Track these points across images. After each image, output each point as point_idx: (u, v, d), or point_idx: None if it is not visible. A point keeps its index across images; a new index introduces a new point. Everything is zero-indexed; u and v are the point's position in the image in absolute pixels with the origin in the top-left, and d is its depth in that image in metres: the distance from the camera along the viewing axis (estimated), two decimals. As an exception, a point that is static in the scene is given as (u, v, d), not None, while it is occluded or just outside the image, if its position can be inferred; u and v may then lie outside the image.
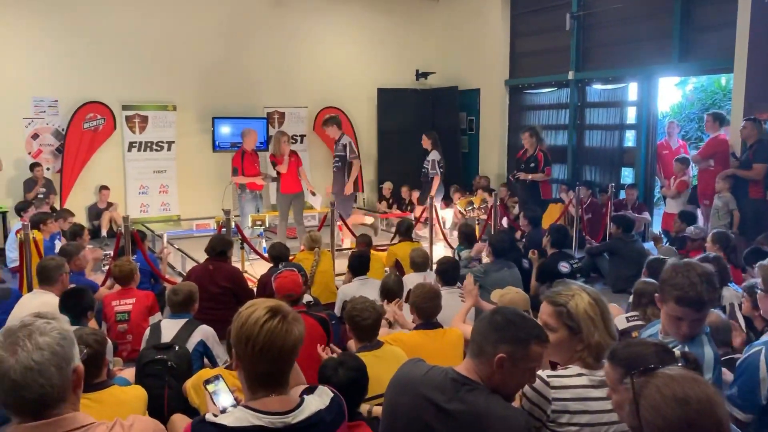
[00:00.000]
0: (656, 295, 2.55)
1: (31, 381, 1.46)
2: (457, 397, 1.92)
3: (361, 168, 9.58)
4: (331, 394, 1.84)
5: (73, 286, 4.36)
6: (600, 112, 9.83)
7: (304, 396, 1.80)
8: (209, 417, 1.71)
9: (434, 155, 8.80)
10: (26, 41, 9.19)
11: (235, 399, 2.14)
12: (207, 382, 2.21)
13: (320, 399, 1.81)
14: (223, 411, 1.82)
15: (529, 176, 8.54)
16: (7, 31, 9.06)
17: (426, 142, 9.08)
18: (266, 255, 6.89)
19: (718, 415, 1.40)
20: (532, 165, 8.54)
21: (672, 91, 12.87)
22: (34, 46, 9.23)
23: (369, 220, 9.57)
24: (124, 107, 9.84)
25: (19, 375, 1.45)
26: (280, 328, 1.70)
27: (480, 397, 1.91)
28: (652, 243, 7.94)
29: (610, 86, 9.60)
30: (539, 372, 2.19)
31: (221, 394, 2.14)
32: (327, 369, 2.74)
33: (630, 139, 9.51)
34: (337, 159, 8.49)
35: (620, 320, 3.94)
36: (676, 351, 1.91)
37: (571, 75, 9.90)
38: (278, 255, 5.33)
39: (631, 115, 9.44)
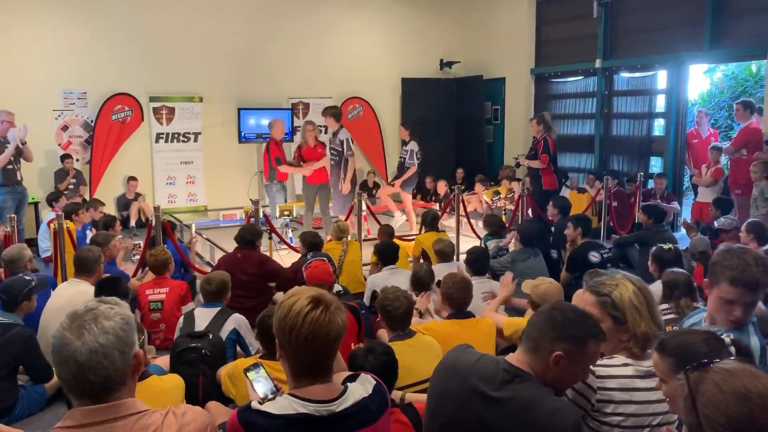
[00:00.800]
0: (705, 280, 2.47)
1: (96, 363, 1.50)
2: (507, 387, 1.90)
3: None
4: (374, 382, 1.85)
5: (107, 275, 4.42)
6: (628, 100, 9.69)
7: (348, 384, 1.81)
8: (254, 405, 1.72)
9: (413, 146, 8.56)
10: (55, 34, 9.31)
11: (275, 386, 2.16)
12: (247, 369, 2.23)
13: (363, 387, 1.81)
14: (264, 398, 1.84)
15: (527, 161, 8.40)
16: (37, 25, 9.18)
17: (403, 133, 8.82)
18: (293, 244, 6.96)
19: None
20: (533, 152, 8.43)
21: (700, 80, 12.63)
22: (62, 39, 9.35)
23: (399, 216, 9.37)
24: (152, 99, 9.93)
25: (85, 357, 1.49)
26: (323, 317, 1.70)
27: (531, 389, 1.90)
28: (683, 232, 7.83)
29: (638, 74, 9.46)
30: None
31: (261, 381, 2.17)
32: (357, 358, 2.75)
33: (658, 127, 9.38)
34: (334, 153, 8.24)
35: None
36: (726, 339, 1.87)
37: (598, 63, 9.77)
38: (311, 243, 5.36)
39: (659, 103, 9.29)
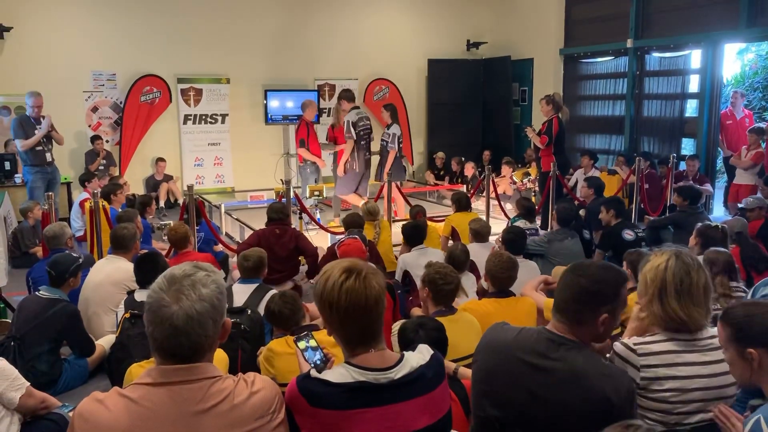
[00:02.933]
0: None
1: (190, 329, 1.53)
2: (556, 355, 1.88)
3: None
4: (432, 352, 1.84)
5: (145, 251, 4.47)
6: (660, 80, 9.52)
7: (404, 352, 1.80)
8: (313, 373, 1.73)
9: (395, 129, 8.14)
10: (85, 16, 9.37)
11: (325, 355, 2.17)
12: (298, 339, 2.25)
13: (420, 355, 1.81)
14: (315, 367, 1.84)
15: (533, 133, 8.18)
16: (68, 7, 9.24)
17: (384, 115, 8.30)
18: (321, 223, 6.98)
19: None
20: (539, 132, 8.28)
21: (732, 61, 12.36)
22: (92, 20, 9.40)
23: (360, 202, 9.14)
24: (179, 80, 9.97)
25: (181, 322, 1.52)
26: (359, 285, 1.70)
27: (580, 355, 1.88)
28: (716, 214, 7.70)
29: (671, 54, 9.27)
30: (625, 340, 2.15)
31: (310, 351, 2.18)
32: (408, 331, 2.75)
33: (691, 108, 9.20)
34: (383, 142, 8.16)
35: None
36: None
37: (629, 43, 9.60)
38: (352, 223, 5.40)
39: (693, 83, 9.11)
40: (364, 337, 1.75)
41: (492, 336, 2.08)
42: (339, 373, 1.71)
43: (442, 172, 11.27)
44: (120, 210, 6.10)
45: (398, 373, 1.72)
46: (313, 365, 1.98)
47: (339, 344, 1.82)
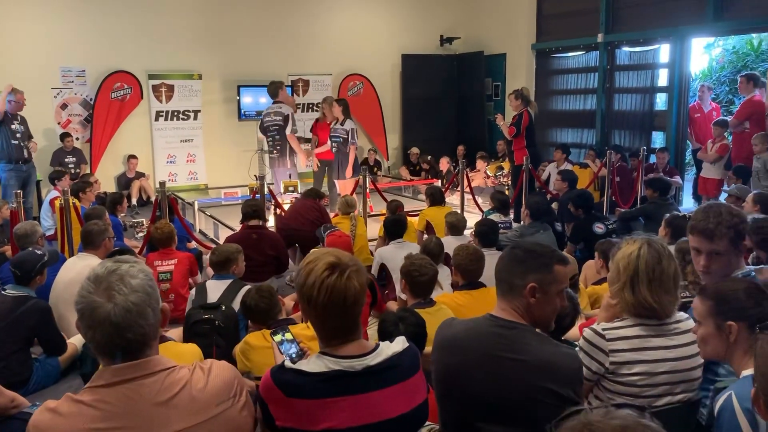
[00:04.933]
0: (745, 243, 2.50)
1: (132, 322, 1.50)
2: (510, 341, 1.90)
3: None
4: (408, 343, 1.86)
5: (117, 248, 4.42)
6: (630, 75, 9.66)
7: (379, 342, 1.82)
8: (288, 364, 1.73)
9: (350, 124, 8.06)
10: (53, 11, 9.20)
11: (300, 349, 2.18)
12: (274, 332, 2.26)
13: (396, 345, 1.82)
14: (290, 360, 1.85)
15: (502, 121, 8.26)
16: (35, 2, 9.06)
17: (336, 110, 8.16)
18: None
19: None
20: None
21: (700, 55, 12.59)
22: (60, 15, 9.24)
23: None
24: (151, 76, 9.85)
25: (121, 318, 1.49)
26: (340, 283, 1.70)
27: (533, 339, 1.92)
28: (686, 206, 7.84)
29: (640, 48, 9.41)
30: (594, 326, 2.19)
31: (286, 344, 2.19)
32: (388, 324, 2.77)
33: (660, 102, 9.35)
34: (337, 139, 8.13)
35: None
36: None
37: (600, 37, 9.72)
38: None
39: (662, 77, 9.26)
40: (340, 332, 1.76)
41: (444, 334, 2.06)
42: (314, 363, 1.72)
43: (417, 168, 11.31)
44: (88, 207, 6.02)
45: (374, 359, 1.73)
46: (288, 358, 1.98)
47: (317, 335, 1.83)
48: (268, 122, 7.87)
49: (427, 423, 2.28)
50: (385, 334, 2.70)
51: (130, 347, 1.52)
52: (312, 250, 1.88)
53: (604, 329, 2.12)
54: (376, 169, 11.31)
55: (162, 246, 4.90)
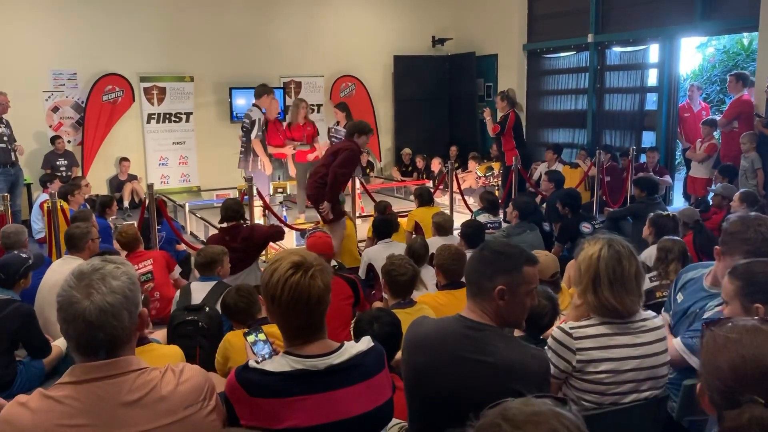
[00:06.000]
0: (717, 247, 2.47)
1: (105, 322, 1.52)
2: (478, 342, 1.92)
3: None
4: (373, 343, 1.87)
5: (102, 251, 4.43)
6: (620, 75, 9.69)
7: (344, 342, 1.84)
8: (252, 364, 1.75)
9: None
10: (43, 14, 9.20)
11: (273, 349, 2.20)
12: (247, 333, 2.28)
13: (361, 344, 1.84)
14: (263, 360, 1.87)
15: (489, 116, 8.40)
16: (26, 5, 9.07)
17: (339, 115, 8.26)
18: (287, 222, 6.97)
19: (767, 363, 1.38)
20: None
21: (692, 55, 12.64)
22: (51, 18, 9.24)
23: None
24: (142, 79, 9.87)
25: (94, 317, 1.51)
26: (303, 281, 1.72)
27: (501, 340, 1.93)
28: (675, 205, 7.87)
29: (630, 48, 9.44)
30: (562, 325, 2.21)
31: (259, 344, 2.21)
32: (363, 323, 2.79)
33: (651, 102, 9.38)
34: (335, 140, 8.09)
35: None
36: None
37: (590, 38, 9.75)
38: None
39: (651, 77, 9.30)
40: (304, 331, 1.78)
41: (413, 333, 2.08)
42: (277, 363, 1.73)
43: (409, 168, 11.33)
44: (77, 209, 6.03)
45: (337, 358, 1.75)
46: (261, 358, 2.00)
47: (281, 334, 1.85)
48: (242, 123, 7.93)
49: (399, 421, 2.31)
50: (360, 333, 2.72)
51: (101, 346, 1.54)
52: (278, 251, 1.90)
53: (571, 328, 2.14)
54: (368, 169, 11.33)
55: (130, 249, 4.93)
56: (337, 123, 8.16)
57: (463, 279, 3.84)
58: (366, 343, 1.85)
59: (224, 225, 5.21)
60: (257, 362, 1.76)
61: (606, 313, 2.14)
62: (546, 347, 2.17)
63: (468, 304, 2.02)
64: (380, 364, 1.85)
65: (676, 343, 2.36)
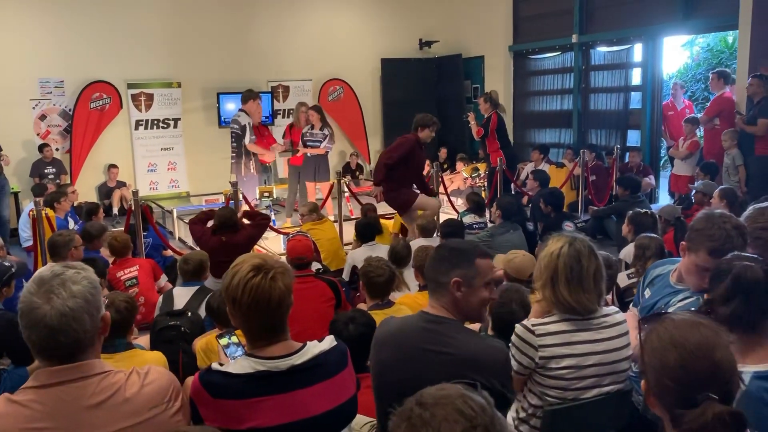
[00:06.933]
0: (683, 243, 2.50)
1: (66, 326, 1.55)
2: (439, 335, 1.99)
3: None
4: (335, 342, 1.91)
5: (87, 258, 4.46)
6: (605, 74, 9.77)
7: (307, 342, 1.87)
8: (215, 366, 1.79)
9: (327, 130, 8.23)
10: (30, 22, 9.21)
11: (246, 353, 2.24)
12: (220, 336, 2.32)
13: (323, 344, 1.88)
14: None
15: (473, 120, 8.60)
16: (11, 13, 9.09)
17: (314, 117, 8.22)
18: (275, 226, 7.00)
19: (716, 357, 1.40)
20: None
21: (679, 53, 12.75)
22: (37, 26, 9.25)
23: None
24: (129, 86, 9.89)
25: (55, 321, 1.54)
26: (264, 284, 1.75)
27: (459, 334, 2.02)
28: (659, 203, 7.94)
29: (614, 48, 9.52)
30: (525, 321, 2.25)
31: (232, 347, 2.25)
32: (338, 324, 2.83)
33: (635, 101, 9.46)
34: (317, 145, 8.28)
35: (621, 277, 4.00)
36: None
37: (575, 38, 9.82)
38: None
39: (636, 76, 9.38)
40: (266, 332, 1.81)
41: (380, 331, 2.17)
42: (240, 365, 1.77)
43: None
44: (64, 217, 6.05)
45: (299, 359, 1.79)
46: (233, 360, 2.04)
47: (244, 336, 1.89)
48: (231, 129, 8.01)
49: (370, 419, 2.35)
50: (336, 334, 2.76)
51: (63, 351, 1.57)
52: (242, 255, 1.93)
53: (533, 325, 2.18)
54: (358, 173, 11.38)
55: (119, 255, 4.96)
56: (312, 126, 8.20)
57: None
58: (329, 342, 1.89)
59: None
60: (221, 364, 1.79)
61: (564, 310, 2.19)
62: (510, 344, 2.22)
63: (429, 301, 2.11)
64: (343, 362, 1.89)
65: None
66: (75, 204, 7.86)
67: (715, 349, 1.41)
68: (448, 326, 2.01)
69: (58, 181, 9.00)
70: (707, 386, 1.37)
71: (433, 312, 2.05)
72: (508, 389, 1.99)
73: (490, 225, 6.69)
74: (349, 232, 6.72)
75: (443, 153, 11.30)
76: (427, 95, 12.15)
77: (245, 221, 5.39)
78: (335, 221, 6.89)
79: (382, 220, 6.36)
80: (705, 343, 1.42)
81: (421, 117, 6.60)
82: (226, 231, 5.33)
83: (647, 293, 2.72)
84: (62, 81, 9.53)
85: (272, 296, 1.76)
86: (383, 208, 8.14)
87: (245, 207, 6.58)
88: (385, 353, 2.06)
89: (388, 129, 12.11)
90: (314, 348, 1.84)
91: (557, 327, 2.17)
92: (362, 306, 4.49)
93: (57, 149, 9.49)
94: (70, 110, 9.55)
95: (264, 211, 7.38)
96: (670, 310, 2.42)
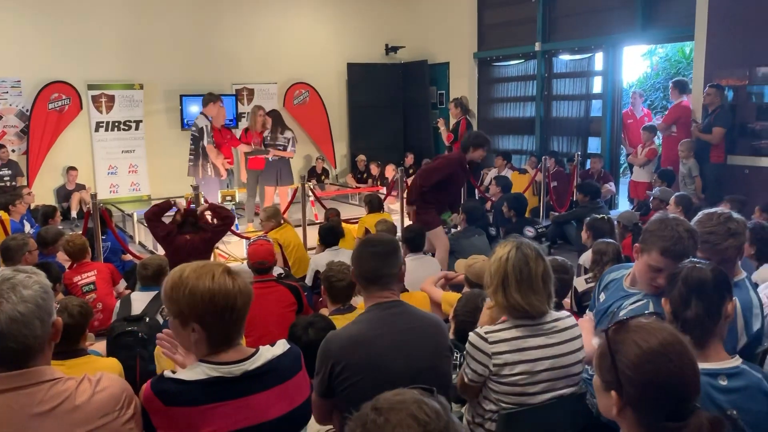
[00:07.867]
0: (636, 245, 2.52)
1: (16, 332, 1.51)
2: (404, 318, 2.24)
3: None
4: (289, 346, 1.91)
5: (41, 262, 4.35)
6: (567, 82, 9.94)
7: (260, 347, 1.86)
8: (167, 373, 1.76)
9: (289, 133, 8.25)
10: (-15, 20, 8.99)
11: (198, 359, 2.21)
12: None
13: (276, 348, 1.87)
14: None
15: (441, 127, 8.76)
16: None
17: (268, 121, 8.21)
18: (238, 231, 6.93)
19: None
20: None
21: (639, 62, 13.05)
22: (-7, 25, 9.04)
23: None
24: (90, 87, 9.71)
25: (4, 326, 1.50)
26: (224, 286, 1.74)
27: (414, 309, 2.32)
28: (618, 210, 8.10)
29: (576, 56, 9.71)
30: (478, 329, 2.27)
31: None
32: (297, 328, 2.82)
33: (596, 108, 9.64)
34: (280, 148, 8.25)
35: (579, 282, 4.07)
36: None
37: (537, 46, 9.98)
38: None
39: (596, 85, 9.56)
40: (218, 340, 1.77)
41: (336, 341, 2.20)
42: (192, 371, 1.74)
43: (364, 175, 11.38)
44: (19, 220, 5.90)
45: (252, 364, 1.77)
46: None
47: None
48: (191, 132, 7.95)
49: (328, 427, 2.34)
50: (295, 339, 2.75)
51: (12, 357, 1.54)
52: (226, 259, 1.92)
53: (486, 333, 2.20)
54: (323, 177, 11.35)
55: (76, 259, 4.86)
56: (272, 131, 8.17)
57: (406, 284, 3.93)
58: (281, 346, 1.88)
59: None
60: (173, 372, 1.77)
61: (516, 315, 2.21)
62: (465, 352, 2.23)
63: (386, 295, 2.27)
64: (297, 366, 1.88)
65: (594, 342, 2.44)
66: (31, 207, 7.68)
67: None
68: (406, 305, 2.28)
69: (13, 183, 8.77)
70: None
71: (391, 299, 2.27)
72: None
73: (453, 230, 6.76)
74: (314, 236, 6.70)
75: (409, 158, 11.34)
76: (393, 100, 12.21)
77: (208, 215, 5.32)
78: (297, 226, 6.85)
79: (345, 225, 6.35)
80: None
81: (475, 136, 5.96)
82: (191, 230, 5.27)
83: (602, 297, 2.77)
84: (19, 81, 9.31)
85: (229, 301, 1.74)
86: (351, 212, 8.16)
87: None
88: (354, 355, 2.13)
89: (354, 133, 12.13)
90: (267, 353, 1.82)
91: (509, 333, 2.19)
92: (324, 311, 4.49)
93: (13, 150, 9.26)
94: (27, 111, 9.33)
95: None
96: (621, 313, 2.46)
